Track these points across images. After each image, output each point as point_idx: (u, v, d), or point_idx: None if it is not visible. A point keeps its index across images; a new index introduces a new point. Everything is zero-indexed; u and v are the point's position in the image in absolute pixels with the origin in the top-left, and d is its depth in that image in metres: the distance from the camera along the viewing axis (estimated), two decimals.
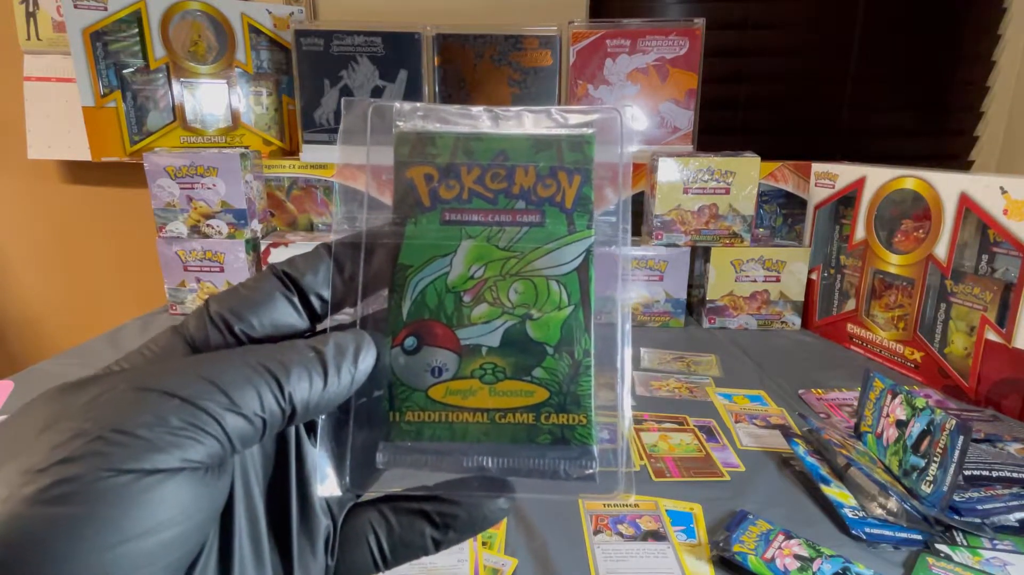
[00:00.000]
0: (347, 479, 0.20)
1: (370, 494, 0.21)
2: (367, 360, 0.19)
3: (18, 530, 0.13)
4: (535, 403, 0.21)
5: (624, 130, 0.22)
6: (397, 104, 0.22)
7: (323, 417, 0.20)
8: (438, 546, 0.21)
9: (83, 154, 1.14)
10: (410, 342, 0.21)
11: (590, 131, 0.22)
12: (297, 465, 0.20)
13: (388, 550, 0.21)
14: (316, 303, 0.20)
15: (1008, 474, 0.55)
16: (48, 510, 0.13)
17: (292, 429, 0.20)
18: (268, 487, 0.19)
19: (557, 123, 0.22)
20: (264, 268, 0.20)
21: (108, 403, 0.15)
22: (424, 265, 0.21)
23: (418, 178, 0.21)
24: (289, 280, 0.20)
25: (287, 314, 0.19)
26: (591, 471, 0.20)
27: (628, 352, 0.22)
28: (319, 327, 0.21)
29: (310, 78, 1.08)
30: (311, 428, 0.21)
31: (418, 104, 0.22)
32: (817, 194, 1.02)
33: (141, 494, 0.14)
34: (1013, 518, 0.52)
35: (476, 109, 0.22)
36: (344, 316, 0.21)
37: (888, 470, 0.58)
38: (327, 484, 0.20)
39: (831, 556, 0.47)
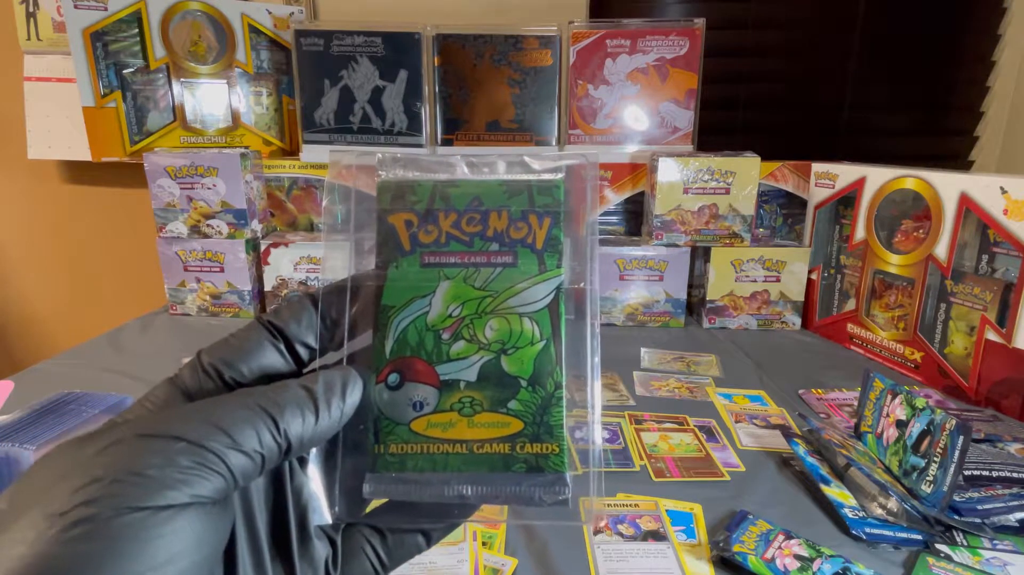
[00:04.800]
0: (336, 508, 0.22)
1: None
2: (354, 395, 0.21)
3: (47, 568, 0.14)
4: (511, 434, 0.22)
5: (591, 175, 0.23)
6: (379, 155, 0.24)
7: (313, 451, 0.22)
8: (430, 541, 0.23)
9: (83, 154, 1.14)
10: (393, 378, 0.22)
11: (559, 176, 0.23)
12: (294, 497, 0.21)
13: (384, 556, 0.22)
14: (301, 350, 0.22)
15: (1008, 474, 0.55)
16: (72, 548, 0.14)
17: (287, 463, 0.21)
18: (271, 518, 0.21)
19: (528, 169, 0.24)
20: (252, 320, 0.22)
21: (120, 450, 0.16)
22: (405, 305, 0.22)
23: (399, 224, 0.23)
24: (275, 329, 0.21)
25: (275, 361, 0.21)
26: (564, 497, 0.22)
27: (598, 385, 0.23)
28: (307, 370, 0.22)
29: (310, 78, 1.07)
30: (302, 461, 0.22)
31: (398, 154, 0.24)
32: (817, 194, 1.02)
33: (155, 528, 0.15)
34: (1013, 518, 0.52)
35: (453, 157, 0.24)
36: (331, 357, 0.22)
37: (888, 470, 0.58)
38: (318, 513, 0.22)
39: (831, 556, 0.47)
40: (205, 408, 0.18)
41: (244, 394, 0.19)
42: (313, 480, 0.22)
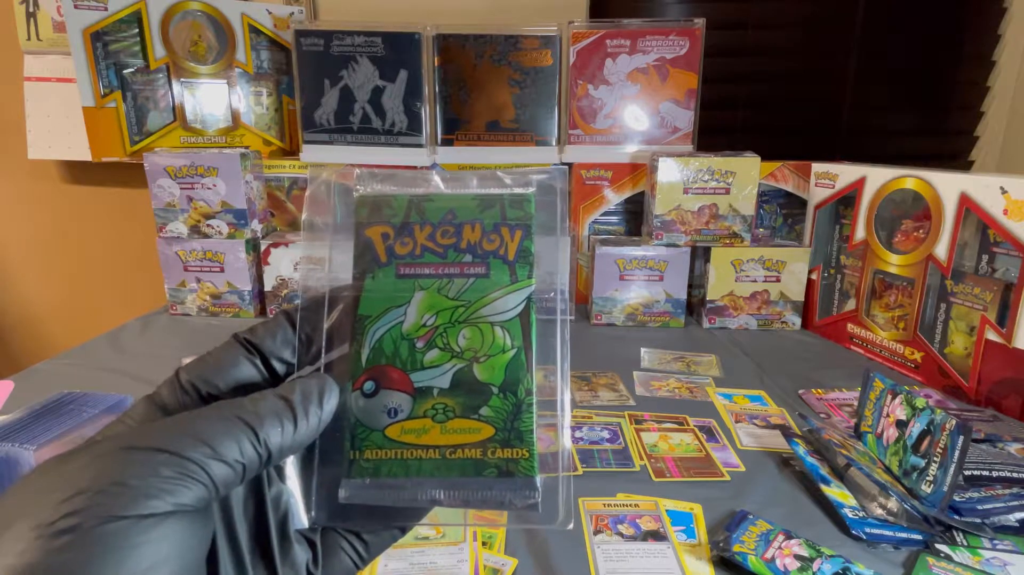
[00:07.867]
0: (313, 513, 0.22)
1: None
2: (331, 402, 0.21)
3: None
4: (482, 439, 0.23)
5: (561, 189, 0.24)
6: (357, 170, 0.25)
7: (291, 457, 0.22)
8: (404, 530, 0.24)
9: (83, 154, 1.14)
10: (369, 386, 0.23)
11: (530, 190, 0.24)
12: (273, 503, 0.22)
13: (363, 550, 0.23)
14: (277, 365, 0.22)
15: (1008, 474, 0.55)
16: (59, 557, 0.15)
17: (265, 471, 0.22)
18: (251, 525, 0.21)
19: (500, 183, 0.25)
20: (229, 338, 0.22)
21: (103, 463, 0.17)
22: (381, 315, 0.23)
23: (376, 237, 0.24)
24: (251, 346, 0.22)
25: (251, 376, 0.22)
26: (534, 500, 0.22)
27: (568, 395, 0.24)
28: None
29: (310, 78, 1.07)
30: (279, 468, 0.23)
31: (375, 170, 0.25)
32: (817, 194, 1.02)
33: (139, 536, 0.16)
34: (1013, 518, 0.52)
35: (429, 172, 0.25)
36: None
37: (888, 470, 0.58)
38: (298, 518, 0.22)
39: (831, 556, 0.47)
40: (186, 421, 0.18)
41: (224, 406, 0.19)
42: (291, 485, 0.22)
